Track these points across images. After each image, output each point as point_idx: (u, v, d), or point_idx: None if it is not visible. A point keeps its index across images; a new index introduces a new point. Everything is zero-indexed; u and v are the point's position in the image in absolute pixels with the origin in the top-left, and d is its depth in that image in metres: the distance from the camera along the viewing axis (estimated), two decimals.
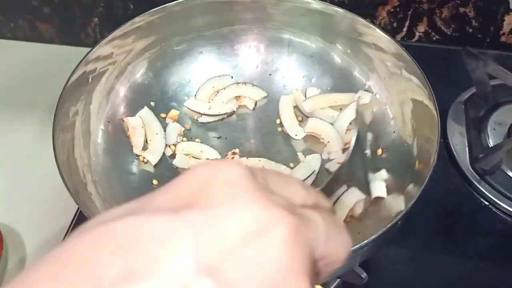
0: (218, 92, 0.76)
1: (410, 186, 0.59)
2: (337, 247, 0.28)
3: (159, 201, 0.25)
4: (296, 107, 0.75)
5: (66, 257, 0.23)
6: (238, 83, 0.77)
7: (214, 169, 0.26)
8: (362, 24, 0.71)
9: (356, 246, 0.48)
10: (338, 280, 0.63)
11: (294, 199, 0.28)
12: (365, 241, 0.48)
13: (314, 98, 0.74)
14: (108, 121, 0.70)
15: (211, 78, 0.77)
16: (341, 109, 0.73)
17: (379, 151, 0.69)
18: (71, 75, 0.65)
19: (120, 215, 0.24)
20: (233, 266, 0.22)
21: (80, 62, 0.66)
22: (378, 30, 0.69)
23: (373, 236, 0.49)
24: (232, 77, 0.78)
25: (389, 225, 0.49)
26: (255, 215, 0.24)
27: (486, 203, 0.73)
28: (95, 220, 0.25)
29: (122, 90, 0.73)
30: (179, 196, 0.25)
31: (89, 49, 0.68)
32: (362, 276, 0.57)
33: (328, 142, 0.71)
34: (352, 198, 0.62)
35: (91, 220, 0.25)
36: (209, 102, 0.76)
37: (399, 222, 0.51)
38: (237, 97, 0.77)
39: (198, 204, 0.24)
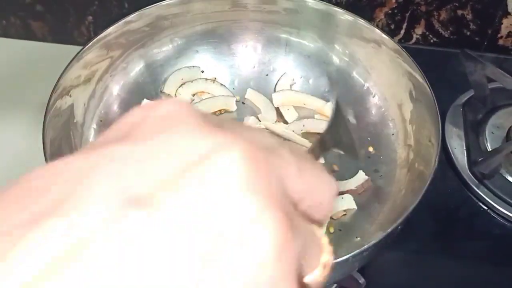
0: (184, 85, 0.76)
1: (409, 190, 0.58)
2: (317, 186, 0.24)
3: (91, 144, 0.22)
4: None
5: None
6: (206, 79, 0.76)
7: (152, 106, 0.23)
8: (361, 24, 0.70)
9: (355, 252, 0.47)
10: (335, 285, 0.63)
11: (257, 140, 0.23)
12: (365, 246, 0.47)
13: (285, 93, 0.75)
14: (101, 120, 0.69)
15: (180, 68, 0.76)
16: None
17: (371, 149, 0.68)
18: (62, 73, 0.64)
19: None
20: (169, 196, 0.19)
21: (72, 59, 0.65)
22: (377, 31, 0.69)
23: (373, 241, 0.48)
24: (202, 71, 0.77)
25: (389, 230, 0.49)
26: (197, 141, 0.20)
27: (485, 207, 0.73)
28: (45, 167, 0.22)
29: (115, 89, 0.72)
30: (109, 136, 0.22)
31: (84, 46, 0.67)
32: (360, 281, 0.56)
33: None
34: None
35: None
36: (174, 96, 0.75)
37: (399, 227, 0.50)
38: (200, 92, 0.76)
39: (128, 139, 0.21)
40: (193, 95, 0.75)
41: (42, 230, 0.18)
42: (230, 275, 0.19)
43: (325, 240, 0.24)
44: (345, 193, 0.65)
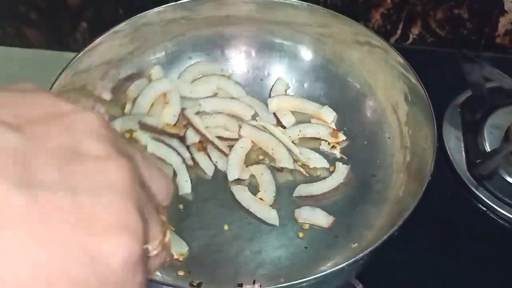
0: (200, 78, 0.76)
1: (407, 195, 0.57)
2: (157, 177, 0.29)
3: None
4: None
5: None
6: (222, 75, 0.77)
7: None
8: (355, 27, 0.71)
9: (352, 260, 0.47)
10: None
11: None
12: (360, 255, 0.47)
13: (280, 98, 0.74)
14: None
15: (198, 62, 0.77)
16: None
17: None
18: (55, 81, 0.64)
19: None
20: (37, 126, 0.24)
21: (66, 67, 0.66)
22: (372, 33, 0.69)
23: (370, 249, 0.48)
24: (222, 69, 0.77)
25: (384, 238, 0.48)
26: (61, 103, 0.26)
27: (484, 208, 0.72)
28: None
29: (107, 96, 0.72)
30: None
31: (77, 54, 0.67)
32: (357, 287, 0.56)
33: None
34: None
35: None
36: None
37: (396, 233, 0.50)
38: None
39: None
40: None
41: None
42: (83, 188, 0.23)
43: (168, 228, 0.30)
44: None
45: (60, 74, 0.65)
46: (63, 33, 0.98)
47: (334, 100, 0.75)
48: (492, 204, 0.72)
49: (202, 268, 0.61)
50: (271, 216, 0.64)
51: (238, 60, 0.77)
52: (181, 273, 0.60)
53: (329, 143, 0.71)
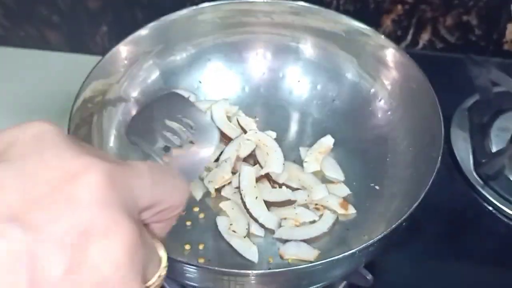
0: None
1: (414, 189, 0.59)
2: (170, 192, 0.29)
3: None
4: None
5: None
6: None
7: (22, 127, 0.26)
8: (367, 31, 0.72)
9: (361, 247, 0.49)
10: (345, 282, 0.64)
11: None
12: (370, 242, 0.49)
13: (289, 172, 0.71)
14: (120, 126, 0.72)
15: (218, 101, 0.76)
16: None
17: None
18: (82, 85, 0.65)
19: None
20: (41, 211, 0.22)
21: (91, 71, 0.67)
22: (383, 37, 0.71)
23: (378, 237, 0.50)
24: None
25: (393, 226, 0.50)
26: (64, 162, 0.24)
27: (490, 208, 0.74)
28: None
29: (133, 96, 0.74)
30: None
31: (97, 56, 0.69)
32: (367, 277, 0.58)
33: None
34: None
35: None
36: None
37: (404, 224, 0.52)
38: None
39: (1, 158, 0.24)
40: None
41: None
42: (89, 273, 0.23)
43: (164, 255, 0.29)
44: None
45: (87, 77, 0.66)
46: (83, 36, 0.99)
47: (347, 101, 0.76)
48: (497, 203, 0.73)
49: None
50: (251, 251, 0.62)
51: (255, 62, 0.79)
52: None
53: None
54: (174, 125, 0.52)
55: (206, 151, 0.50)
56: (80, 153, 0.24)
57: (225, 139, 0.72)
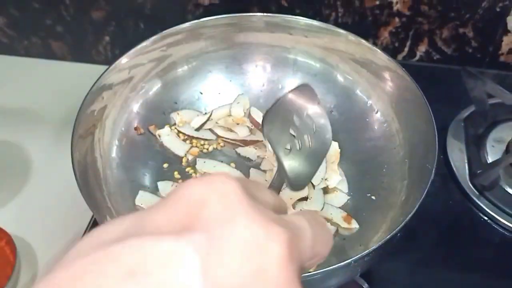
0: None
1: (410, 199, 0.60)
2: (322, 248, 0.29)
3: (158, 220, 0.24)
4: None
5: (70, 284, 0.22)
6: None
7: (207, 185, 0.25)
8: (363, 45, 0.73)
9: (357, 257, 0.50)
10: None
11: (270, 203, 0.29)
12: (366, 251, 0.50)
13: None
14: (122, 136, 0.73)
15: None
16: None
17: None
18: (87, 94, 0.67)
19: (119, 237, 0.24)
20: (239, 285, 0.23)
21: (98, 79, 0.68)
22: (379, 51, 0.72)
23: (374, 247, 0.51)
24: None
25: (389, 236, 0.51)
26: (255, 234, 0.24)
27: (485, 218, 0.74)
28: (90, 240, 0.24)
29: (135, 107, 0.76)
30: (178, 216, 0.25)
31: (100, 66, 0.70)
32: (364, 286, 0.59)
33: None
34: None
35: (84, 239, 0.24)
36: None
37: (399, 233, 0.53)
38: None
39: (199, 224, 0.24)
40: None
41: None
42: None
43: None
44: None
45: (91, 88, 0.67)
46: (87, 46, 1.01)
47: (344, 112, 0.77)
48: (492, 214, 0.74)
49: None
50: None
51: (255, 74, 0.81)
52: None
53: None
54: (298, 122, 0.53)
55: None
56: (264, 220, 0.25)
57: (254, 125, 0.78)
